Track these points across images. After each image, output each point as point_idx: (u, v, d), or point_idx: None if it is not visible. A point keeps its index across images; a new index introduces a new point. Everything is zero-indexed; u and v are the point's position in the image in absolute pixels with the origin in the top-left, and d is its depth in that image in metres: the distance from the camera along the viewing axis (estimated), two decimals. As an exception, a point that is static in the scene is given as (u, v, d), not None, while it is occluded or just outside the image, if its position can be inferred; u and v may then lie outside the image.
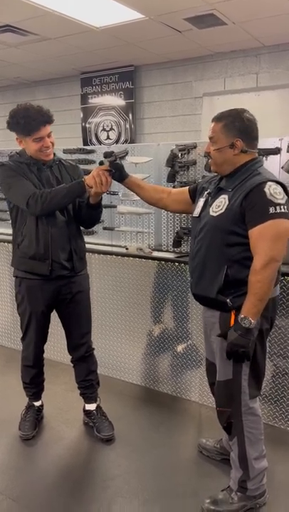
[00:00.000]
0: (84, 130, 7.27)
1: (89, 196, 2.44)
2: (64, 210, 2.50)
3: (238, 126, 1.98)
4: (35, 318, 2.61)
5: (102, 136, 7.18)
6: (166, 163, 3.13)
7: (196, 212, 2.15)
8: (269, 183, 1.89)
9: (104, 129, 7.15)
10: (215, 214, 2.02)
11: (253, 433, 2.10)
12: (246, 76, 5.91)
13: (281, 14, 4.45)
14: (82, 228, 2.69)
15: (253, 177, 1.94)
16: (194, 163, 3.11)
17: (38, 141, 2.39)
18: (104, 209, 3.47)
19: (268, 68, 5.73)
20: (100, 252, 3.35)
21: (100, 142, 7.14)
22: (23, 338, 2.72)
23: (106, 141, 7.10)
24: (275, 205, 1.86)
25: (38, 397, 2.84)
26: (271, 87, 5.72)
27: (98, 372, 2.86)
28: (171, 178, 3.13)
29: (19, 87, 8.08)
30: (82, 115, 7.24)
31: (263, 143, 2.78)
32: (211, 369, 2.28)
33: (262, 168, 2.01)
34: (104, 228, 3.56)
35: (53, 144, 2.47)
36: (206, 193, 2.16)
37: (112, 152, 2.35)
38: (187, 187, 2.38)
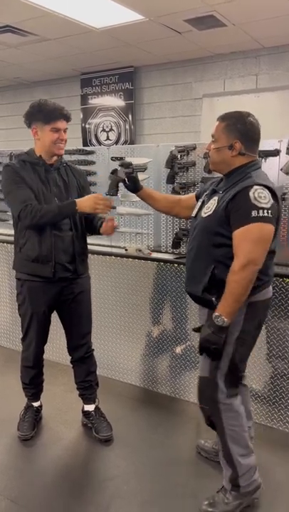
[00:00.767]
0: (84, 131, 7.28)
1: (100, 224, 2.60)
2: (70, 218, 2.52)
3: (240, 128, 2.01)
4: (37, 319, 2.61)
5: (102, 136, 7.19)
6: (166, 165, 3.14)
7: (193, 213, 2.22)
8: (255, 187, 1.90)
9: (104, 130, 7.16)
10: (205, 215, 2.08)
11: (235, 430, 2.10)
12: (246, 77, 5.92)
13: (281, 16, 4.47)
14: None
15: (244, 180, 1.96)
16: (194, 164, 3.12)
17: (55, 131, 2.44)
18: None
19: (267, 70, 5.75)
20: (99, 253, 3.36)
21: (99, 143, 7.15)
22: (23, 339, 2.72)
23: (106, 142, 7.12)
24: (258, 208, 1.87)
25: (37, 398, 2.84)
26: (271, 89, 5.74)
27: (97, 373, 2.87)
28: (171, 179, 3.14)
29: (19, 88, 8.08)
30: (81, 116, 7.26)
31: (262, 145, 2.78)
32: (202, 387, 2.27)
33: (256, 172, 2.01)
34: (104, 229, 3.56)
35: (65, 141, 2.50)
36: (204, 194, 2.21)
37: (130, 164, 2.37)
38: (195, 192, 2.43)
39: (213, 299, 2.02)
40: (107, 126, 7.15)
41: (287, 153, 2.75)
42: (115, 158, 3.35)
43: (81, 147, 3.73)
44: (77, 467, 2.50)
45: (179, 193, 3.11)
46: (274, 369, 2.78)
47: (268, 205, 1.88)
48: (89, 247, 2.77)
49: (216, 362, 2.05)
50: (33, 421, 2.77)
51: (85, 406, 2.85)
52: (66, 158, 3.59)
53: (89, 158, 3.58)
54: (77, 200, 2.40)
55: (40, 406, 2.88)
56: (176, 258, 3.11)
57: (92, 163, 3.56)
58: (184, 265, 2.94)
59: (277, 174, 2.79)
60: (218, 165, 2.10)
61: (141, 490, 2.31)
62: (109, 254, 3.35)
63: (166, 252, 3.31)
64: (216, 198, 2.06)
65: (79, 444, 2.73)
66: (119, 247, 3.46)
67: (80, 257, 2.60)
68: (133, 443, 2.69)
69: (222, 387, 2.08)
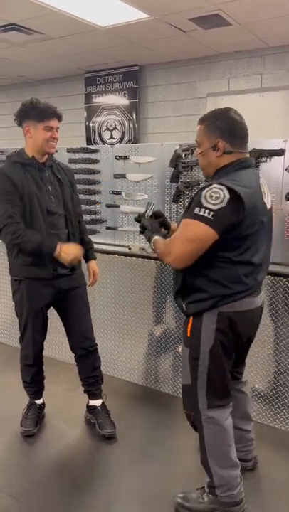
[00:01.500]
0: (87, 129, 7.29)
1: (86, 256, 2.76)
2: (66, 215, 2.57)
3: (220, 125, 1.92)
4: (34, 316, 2.62)
5: (106, 135, 7.20)
6: (170, 164, 3.14)
7: None
8: (215, 185, 1.81)
9: (107, 129, 7.16)
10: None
11: (214, 443, 2.04)
12: (251, 77, 5.91)
13: (286, 15, 4.45)
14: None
15: (215, 181, 1.87)
16: (198, 163, 3.10)
17: (48, 130, 2.46)
18: (107, 208, 3.51)
19: (272, 69, 5.74)
20: (102, 252, 3.36)
21: (103, 141, 7.16)
22: (21, 338, 2.72)
23: (109, 141, 7.12)
24: (202, 207, 1.80)
25: (39, 396, 2.85)
26: (275, 88, 5.73)
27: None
28: (175, 179, 3.14)
29: (23, 86, 8.10)
30: (85, 114, 7.26)
31: (267, 144, 2.80)
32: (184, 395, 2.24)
33: (233, 173, 1.90)
34: (107, 228, 3.58)
35: (57, 139, 2.52)
36: None
37: (161, 213, 2.34)
38: None
39: (184, 305, 2.02)
40: (110, 125, 7.15)
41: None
42: (119, 157, 3.38)
43: (85, 146, 3.74)
44: (78, 465, 2.51)
45: (183, 192, 3.11)
46: (277, 364, 2.77)
47: (215, 207, 1.78)
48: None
49: (195, 371, 2.01)
50: (35, 418, 2.79)
51: (91, 401, 2.86)
52: (70, 156, 3.62)
53: (93, 156, 3.59)
54: (63, 246, 2.39)
55: (43, 404, 2.89)
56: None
57: (96, 161, 3.57)
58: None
59: (282, 174, 2.78)
60: (206, 169, 2.03)
61: (141, 488, 2.32)
62: (113, 253, 3.36)
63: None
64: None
65: (81, 442, 2.74)
66: (123, 246, 3.46)
67: None
68: (134, 441, 2.70)
69: (202, 397, 2.02)
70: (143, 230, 2.26)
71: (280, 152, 2.77)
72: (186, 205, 2.04)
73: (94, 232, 3.59)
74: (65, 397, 3.14)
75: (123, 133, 7.08)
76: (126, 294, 3.33)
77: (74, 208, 2.64)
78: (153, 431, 2.81)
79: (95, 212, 3.61)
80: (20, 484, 2.35)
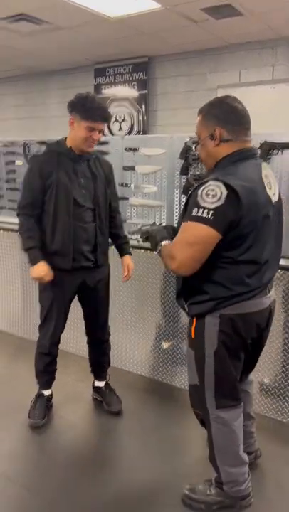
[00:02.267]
0: (96, 121, 7.27)
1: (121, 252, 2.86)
2: (95, 209, 2.59)
3: (216, 113, 1.85)
4: (57, 306, 2.67)
5: (115, 127, 7.18)
6: (180, 156, 3.13)
7: None
8: (210, 182, 1.72)
9: (116, 120, 7.15)
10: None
11: (221, 442, 2.03)
12: (262, 68, 5.86)
13: (299, 5, 4.41)
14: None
15: (211, 177, 1.77)
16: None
17: (90, 130, 2.45)
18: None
19: (284, 60, 5.69)
20: (111, 244, 3.36)
21: (112, 133, 7.14)
22: (41, 326, 2.76)
23: (118, 132, 7.11)
24: (199, 207, 1.72)
25: (48, 386, 2.88)
26: (287, 80, 5.67)
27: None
28: (185, 171, 3.13)
29: (32, 77, 8.10)
30: (94, 106, 7.24)
31: (279, 137, 2.77)
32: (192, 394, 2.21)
33: (231, 167, 1.81)
34: (116, 220, 3.57)
35: (98, 140, 2.53)
36: None
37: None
38: None
39: (185, 306, 1.98)
40: (120, 117, 7.14)
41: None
42: (129, 148, 3.37)
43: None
44: (87, 455, 2.53)
45: (193, 185, 3.10)
46: (287, 359, 2.77)
47: (212, 206, 1.69)
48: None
49: (201, 373, 1.98)
50: (44, 409, 2.81)
51: (96, 382, 3.02)
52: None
53: (103, 148, 3.58)
54: (35, 265, 2.52)
55: (51, 394, 2.91)
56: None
57: (105, 153, 3.56)
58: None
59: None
60: (206, 161, 1.94)
61: (149, 478, 2.34)
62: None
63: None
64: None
65: (89, 432, 2.77)
66: (132, 239, 3.45)
67: (102, 248, 2.66)
68: (143, 433, 2.72)
69: (211, 397, 1.98)
70: (146, 237, 2.10)
71: (292, 145, 2.75)
72: (182, 207, 1.94)
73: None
74: (73, 388, 3.16)
75: (132, 125, 7.07)
76: (134, 286, 3.32)
77: (106, 202, 2.65)
78: (162, 423, 2.82)
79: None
80: (30, 474, 2.38)
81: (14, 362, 3.58)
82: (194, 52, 6.32)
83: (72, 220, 2.52)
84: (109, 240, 2.80)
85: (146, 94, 6.88)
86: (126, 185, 3.44)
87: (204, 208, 1.71)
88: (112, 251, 2.89)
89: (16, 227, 3.87)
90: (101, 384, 3.00)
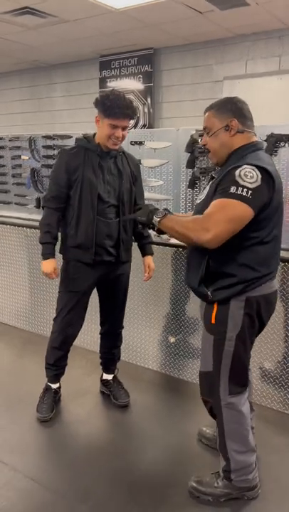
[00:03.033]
0: (102, 114, 7.25)
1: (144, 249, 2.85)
2: (119, 206, 2.60)
3: (231, 107, 1.95)
4: (77, 297, 2.68)
5: (120, 120, 7.14)
6: (186, 149, 3.12)
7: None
8: (245, 166, 1.80)
9: (122, 113, 7.11)
10: (199, 201, 2.04)
11: (233, 428, 2.08)
12: (269, 59, 5.81)
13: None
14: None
15: (238, 163, 1.85)
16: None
17: (112, 127, 2.46)
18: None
19: (291, 51, 5.63)
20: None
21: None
22: (56, 318, 2.77)
23: (124, 126, 7.07)
24: (239, 186, 1.77)
25: (57, 380, 2.91)
26: (294, 71, 5.63)
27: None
28: (191, 164, 3.12)
29: (37, 71, 8.08)
30: (100, 99, 7.21)
31: (286, 129, 2.75)
32: (203, 382, 2.22)
33: (252, 154, 1.90)
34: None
35: (124, 137, 2.52)
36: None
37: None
38: None
39: (208, 292, 1.97)
40: (125, 110, 7.10)
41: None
42: (135, 142, 3.37)
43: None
44: (94, 447, 2.56)
45: (199, 178, 3.10)
46: (287, 349, 2.78)
47: (252, 186, 1.77)
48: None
49: (219, 358, 2.01)
50: (52, 402, 2.84)
51: (104, 375, 3.05)
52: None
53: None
54: (44, 261, 2.60)
55: (59, 388, 2.94)
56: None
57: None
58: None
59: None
60: (219, 151, 1.98)
61: (157, 469, 2.36)
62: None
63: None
64: (211, 182, 2.01)
65: (97, 425, 2.79)
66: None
67: (125, 245, 2.67)
68: (151, 425, 2.74)
69: (225, 383, 2.03)
70: (139, 208, 2.13)
71: (299, 136, 2.73)
72: (208, 188, 1.98)
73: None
74: (80, 382, 3.19)
75: (138, 118, 7.03)
76: (141, 280, 3.32)
77: (131, 200, 2.66)
78: (170, 416, 2.85)
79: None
80: (39, 466, 2.41)
81: (22, 355, 3.62)
82: (200, 43, 6.28)
83: (96, 216, 2.54)
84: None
85: (151, 87, 6.85)
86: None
87: (243, 187, 1.77)
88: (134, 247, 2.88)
89: (23, 221, 3.93)
90: (109, 377, 3.03)
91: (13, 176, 4.10)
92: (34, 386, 2.97)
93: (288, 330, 2.76)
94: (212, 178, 2.04)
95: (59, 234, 2.67)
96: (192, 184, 3.14)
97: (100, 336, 2.99)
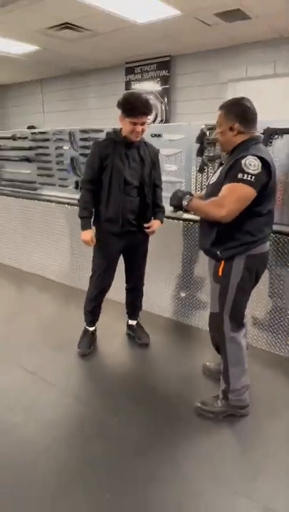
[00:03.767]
0: (127, 112, 7.11)
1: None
2: (141, 188, 2.60)
3: (235, 111, 1.99)
4: (107, 262, 2.72)
5: (142, 117, 7.01)
6: (196, 140, 3.06)
7: (208, 182, 2.21)
8: (249, 156, 1.88)
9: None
10: (212, 182, 2.09)
11: (234, 356, 2.17)
12: (266, 64, 5.59)
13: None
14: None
15: (243, 153, 1.92)
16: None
17: (133, 124, 2.44)
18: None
19: (285, 57, 5.40)
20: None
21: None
22: (91, 277, 2.81)
23: (145, 121, 6.95)
24: (244, 173, 1.86)
25: (93, 324, 2.97)
26: (288, 74, 5.40)
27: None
28: (200, 153, 3.07)
29: (74, 76, 7.93)
30: (126, 99, 7.07)
31: (280, 123, 2.67)
32: (212, 321, 2.27)
33: (254, 147, 1.96)
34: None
35: (143, 130, 2.50)
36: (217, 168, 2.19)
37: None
38: None
39: (218, 252, 2.05)
40: (146, 108, 6.96)
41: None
42: (154, 134, 3.31)
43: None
44: (123, 376, 2.63)
45: (207, 164, 3.05)
46: (274, 304, 2.79)
47: (254, 172, 1.86)
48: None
49: (223, 301, 2.10)
50: (89, 341, 2.91)
51: (130, 321, 3.12)
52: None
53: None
54: (84, 231, 2.61)
55: (95, 330, 3.00)
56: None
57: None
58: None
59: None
60: (225, 145, 2.07)
61: (170, 396, 2.42)
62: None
63: (194, 214, 3.27)
64: (221, 168, 2.07)
65: (124, 359, 2.85)
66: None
67: (145, 218, 2.68)
68: (166, 361, 2.80)
69: (227, 322, 2.12)
70: (174, 200, 2.13)
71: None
72: (219, 174, 2.04)
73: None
74: (111, 326, 3.24)
75: (156, 114, 6.90)
76: (159, 249, 3.32)
77: (150, 182, 2.65)
78: (182, 354, 2.90)
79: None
80: (80, 388, 2.50)
81: (66, 307, 3.68)
82: (208, 51, 6.05)
83: (123, 195, 2.54)
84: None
85: (168, 88, 6.67)
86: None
87: (248, 174, 1.86)
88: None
89: (65, 200, 3.95)
90: (133, 322, 3.09)
91: (57, 163, 4.08)
92: (75, 329, 3.04)
93: (272, 288, 2.77)
94: (221, 164, 2.11)
95: (93, 210, 2.67)
96: (201, 169, 3.09)
97: (125, 290, 3.02)
